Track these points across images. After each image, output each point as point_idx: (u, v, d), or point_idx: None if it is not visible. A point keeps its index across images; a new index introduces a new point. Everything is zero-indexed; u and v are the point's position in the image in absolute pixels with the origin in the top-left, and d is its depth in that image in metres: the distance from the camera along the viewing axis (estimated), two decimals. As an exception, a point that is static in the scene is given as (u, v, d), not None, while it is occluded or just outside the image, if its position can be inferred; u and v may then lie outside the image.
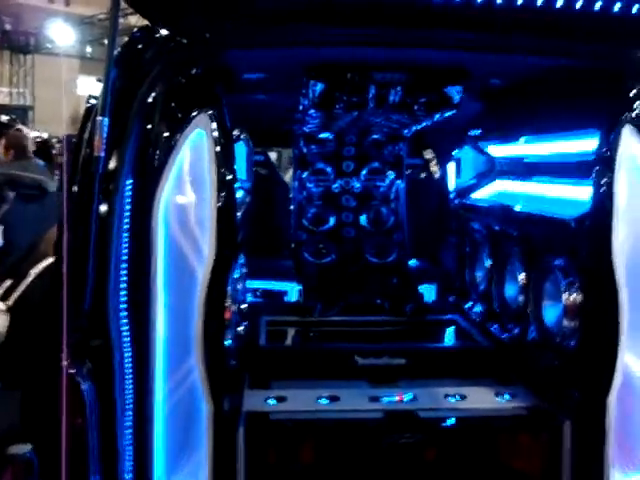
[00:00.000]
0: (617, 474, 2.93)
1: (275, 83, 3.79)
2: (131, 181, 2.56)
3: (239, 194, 4.51)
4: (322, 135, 5.05)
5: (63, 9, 30.35)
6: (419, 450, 3.18)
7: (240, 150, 4.82)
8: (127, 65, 2.62)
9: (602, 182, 2.92)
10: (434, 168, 5.80)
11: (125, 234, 2.57)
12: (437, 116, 4.05)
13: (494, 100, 4.60)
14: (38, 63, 30.08)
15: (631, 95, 2.88)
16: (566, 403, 3.21)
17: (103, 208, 2.53)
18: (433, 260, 5.63)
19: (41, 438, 2.80)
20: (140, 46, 2.67)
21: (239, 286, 4.15)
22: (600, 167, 2.94)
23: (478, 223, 4.64)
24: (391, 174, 5.24)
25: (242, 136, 4.74)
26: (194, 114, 2.65)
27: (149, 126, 2.59)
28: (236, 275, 3.79)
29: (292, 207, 5.21)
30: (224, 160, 2.77)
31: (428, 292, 5.59)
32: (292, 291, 5.22)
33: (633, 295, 2.90)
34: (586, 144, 3.25)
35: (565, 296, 3.33)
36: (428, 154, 5.85)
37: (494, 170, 4.68)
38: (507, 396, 3.50)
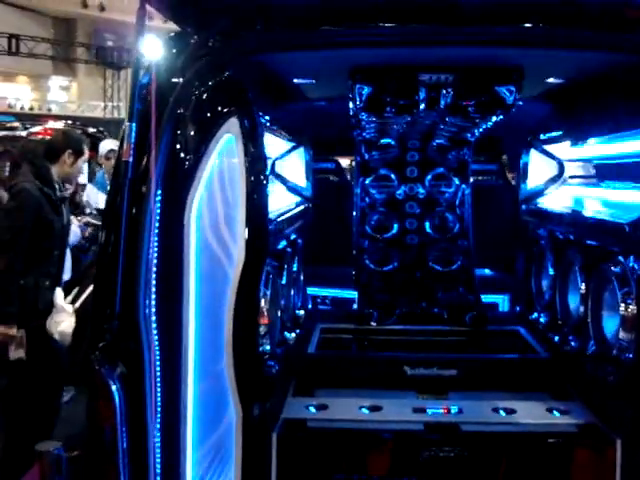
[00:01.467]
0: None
1: (324, 88, 3.76)
2: (162, 186, 2.58)
3: (295, 200, 4.51)
4: (384, 141, 4.97)
5: (162, 25, 31.33)
6: (459, 465, 3.06)
7: (299, 158, 4.83)
8: (158, 70, 2.65)
9: None
10: (504, 174, 5.63)
11: (156, 238, 2.59)
12: (494, 118, 3.91)
13: (560, 101, 4.44)
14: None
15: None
16: (619, 420, 3.02)
17: (133, 212, 2.56)
18: (505, 269, 5.45)
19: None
20: (171, 51, 2.69)
21: (292, 292, 4.15)
22: None
23: (544, 230, 4.46)
24: (456, 180, 5.11)
25: (301, 144, 4.75)
26: (224, 119, 2.65)
27: (179, 131, 2.60)
28: (283, 281, 3.78)
29: (355, 214, 5.15)
30: (255, 165, 2.76)
31: (498, 302, 5.44)
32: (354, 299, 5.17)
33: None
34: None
35: (622, 306, 3.15)
36: (498, 160, 5.68)
37: (562, 174, 4.50)
38: (559, 412, 3.34)
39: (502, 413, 3.31)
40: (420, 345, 4.18)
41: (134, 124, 2.51)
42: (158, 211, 2.59)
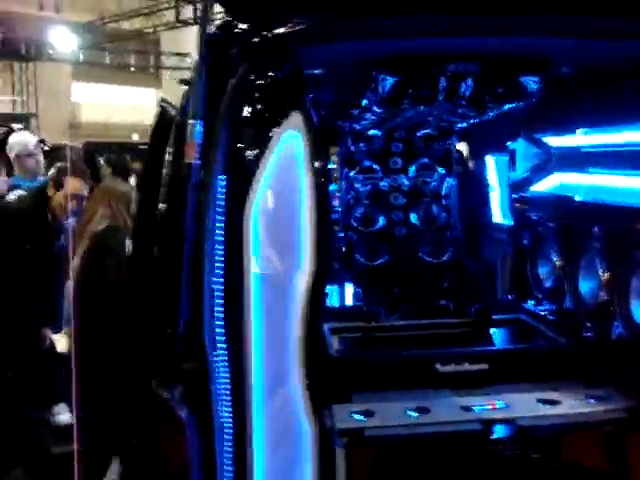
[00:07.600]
0: None
1: (340, 79, 3.58)
2: (225, 192, 2.33)
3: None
4: (371, 132, 4.83)
5: (54, 16, 29.86)
6: (522, 460, 3.01)
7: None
8: (212, 65, 2.42)
9: None
10: (484, 163, 5.58)
11: (219, 251, 2.34)
12: (507, 107, 3.84)
13: (551, 89, 4.42)
14: (39, 71, 29.73)
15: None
16: None
17: (196, 221, 2.33)
18: (476, 259, 5.43)
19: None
20: (224, 45, 2.45)
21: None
22: None
23: (541, 217, 4.44)
24: (441, 169, 5.04)
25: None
26: (287, 114, 2.44)
27: (239, 128, 2.38)
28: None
29: (339, 208, 5.00)
30: (319, 163, 2.56)
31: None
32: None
33: None
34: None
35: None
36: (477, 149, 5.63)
37: (551, 162, 4.48)
38: (597, 399, 3.34)
39: (548, 405, 3.28)
40: (437, 339, 4.08)
41: (201, 123, 2.28)
42: (221, 218, 2.36)
